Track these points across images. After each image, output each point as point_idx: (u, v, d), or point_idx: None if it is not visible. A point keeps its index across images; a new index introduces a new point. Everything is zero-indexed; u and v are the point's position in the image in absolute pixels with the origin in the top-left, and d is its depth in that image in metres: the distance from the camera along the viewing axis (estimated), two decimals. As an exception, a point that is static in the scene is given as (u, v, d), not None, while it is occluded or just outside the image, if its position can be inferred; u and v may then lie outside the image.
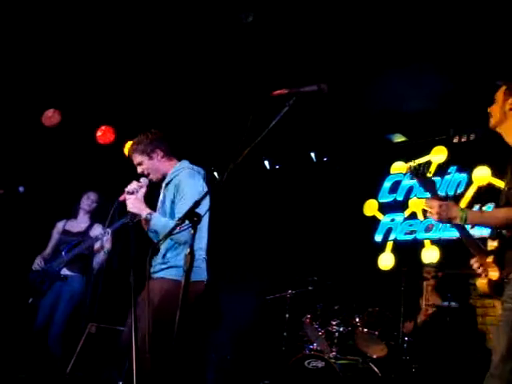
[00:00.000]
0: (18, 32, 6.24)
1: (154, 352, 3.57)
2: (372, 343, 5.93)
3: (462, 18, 5.32)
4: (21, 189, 7.07)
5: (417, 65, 6.13)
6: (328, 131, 7.96)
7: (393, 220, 7.86)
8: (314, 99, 3.02)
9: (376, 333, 5.85)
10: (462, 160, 7.39)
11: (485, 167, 7.05)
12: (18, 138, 7.39)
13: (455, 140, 7.63)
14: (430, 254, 7.19)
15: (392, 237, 7.77)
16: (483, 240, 3.39)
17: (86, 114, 7.73)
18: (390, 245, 7.76)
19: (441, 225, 7.07)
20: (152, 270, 4.06)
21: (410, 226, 7.64)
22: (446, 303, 5.72)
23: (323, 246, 8.07)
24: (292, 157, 8.68)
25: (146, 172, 4.26)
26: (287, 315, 6.52)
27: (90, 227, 6.59)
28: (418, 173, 3.42)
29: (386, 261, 7.65)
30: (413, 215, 7.67)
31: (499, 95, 3.35)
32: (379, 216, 8.03)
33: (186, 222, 2.98)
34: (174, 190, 4.12)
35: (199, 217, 2.97)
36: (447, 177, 7.45)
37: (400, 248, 7.66)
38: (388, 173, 8.18)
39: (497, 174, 6.90)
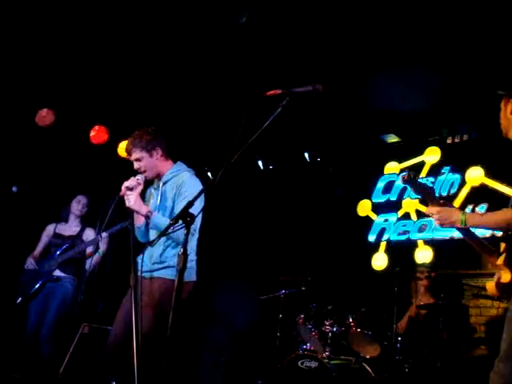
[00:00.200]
0: (12, 32, 6.22)
1: (151, 352, 3.56)
2: (365, 343, 5.93)
3: (454, 18, 5.33)
4: (14, 189, 7.07)
5: (410, 65, 6.14)
6: (321, 131, 7.97)
7: (386, 220, 7.88)
8: (307, 99, 3.03)
9: (369, 333, 5.86)
10: (456, 160, 7.41)
11: (478, 168, 7.06)
12: (11, 138, 7.36)
13: (448, 140, 7.65)
14: (423, 255, 7.21)
15: (385, 237, 7.79)
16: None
17: (80, 113, 7.71)
18: (383, 245, 7.77)
19: (434, 225, 7.08)
20: (147, 268, 4.05)
21: (404, 226, 7.65)
22: (439, 303, 5.73)
23: (317, 246, 8.08)
24: (285, 157, 8.68)
25: (142, 169, 4.23)
26: (280, 315, 6.52)
27: (82, 231, 6.58)
28: (413, 181, 3.39)
29: (380, 261, 7.67)
30: (406, 215, 7.68)
31: (502, 103, 3.34)
32: (373, 216, 8.04)
33: (180, 222, 2.98)
34: (176, 190, 4.14)
35: (193, 217, 2.97)
36: (440, 177, 7.46)
37: (393, 248, 7.67)
38: (381, 173, 8.19)
39: (490, 174, 6.92)
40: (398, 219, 7.75)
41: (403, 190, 7.81)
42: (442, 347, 5.64)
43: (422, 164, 7.73)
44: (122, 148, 8.01)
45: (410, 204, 7.60)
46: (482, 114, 6.70)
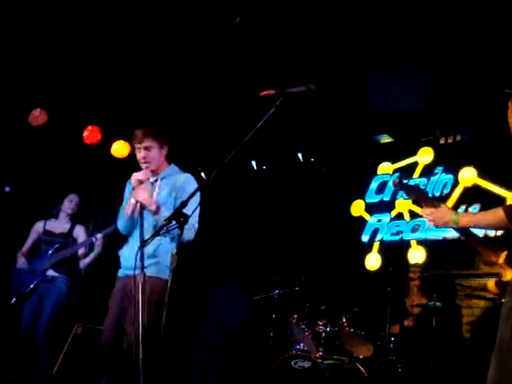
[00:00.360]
0: (5, 32, 6.21)
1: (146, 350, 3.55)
2: (358, 343, 5.94)
3: (449, 19, 5.35)
4: (7, 189, 7.05)
5: (404, 66, 6.15)
6: (315, 132, 7.98)
7: (379, 220, 7.89)
8: (301, 100, 3.03)
9: (362, 333, 5.87)
10: (449, 161, 7.43)
11: (471, 168, 7.08)
12: (4, 138, 7.34)
13: (441, 141, 7.68)
14: (417, 255, 7.23)
15: (379, 237, 7.80)
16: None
17: (73, 113, 7.70)
18: (376, 245, 7.79)
19: (427, 225, 7.10)
20: (140, 265, 4.04)
21: (397, 226, 7.67)
22: (431, 303, 5.74)
23: (310, 247, 8.09)
24: (279, 157, 8.68)
25: (148, 159, 4.19)
26: (274, 315, 6.53)
27: (72, 228, 6.58)
28: (404, 185, 3.39)
29: (373, 261, 7.68)
30: (399, 216, 7.70)
31: (510, 102, 3.31)
32: (366, 216, 8.05)
33: (173, 222, 2.99)
34: (177, 189, 4.16)
35: (186, 217, 2.98)
36: (433, 177, 7.48)
37: (387, 248, 7.69)
38: (375, 173, 8.21)
39: (483, 175, 6.94)
40: (392, 219, 7.77)
41: (396, 191, 7.82)
42: (434, 347, 5.65)
43: (415, 164, 7.75)
44: (115, 148, 8.01)
45: (404, 204, 7.62)
46: (475, 114, 6.74)
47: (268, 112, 2.99)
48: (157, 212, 3.97)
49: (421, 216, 3.42)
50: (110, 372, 3.97)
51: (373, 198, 8.10)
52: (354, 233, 8.01)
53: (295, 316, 6.29)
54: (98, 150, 8.02)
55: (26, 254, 6.47)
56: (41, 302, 6.23)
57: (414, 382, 5.62)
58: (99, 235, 6.17)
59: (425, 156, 7.66)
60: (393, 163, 8.04)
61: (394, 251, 7.53)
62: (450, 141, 7.60)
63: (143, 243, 3.67)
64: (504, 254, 3.17)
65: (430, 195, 7.22)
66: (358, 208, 8.17)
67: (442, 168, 7.46)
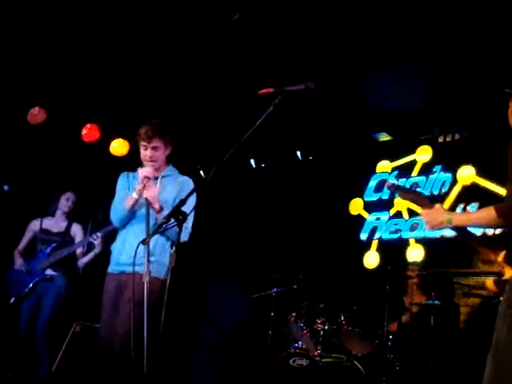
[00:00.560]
0: (4, 31, 6.20)
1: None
2: (357, 341, 5.95)
3: (447, 18, 5.35)
4: (5, 187, 7.05)
5: (402, 65, 6.15)
6: (314, 130, 7.98)
7: (378, 219, 7.89)
8: (299, 98, 3.04)
9: (361, 331, 5.87)
10: (447, 159, 7.42)
11: (469, 167, 7.08)
12: (2, 136, 7.34)
13: (440, 139, 7.67)
14: (415, 253, 7.23)
15: (377, 235, 7.80)
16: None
17: (72, 112, 7.70)
18: (375, 243, 7.79)
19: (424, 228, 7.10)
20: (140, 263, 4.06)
21: (395, 224, 7.67)
22: (430, 302, 5.75)
23: (309, 245, 8.09)
24: (278, 155, 8.69)
25: (154, 158, 4.23)
26: (272, 313, 6.53)
27: (69, 227, 6.59)
28: (397, 188, 3.39)
29: (371, 259, 7.68)
30: (398, 214, 7.69)
31: (510, 102, 3.30)
32: (364, 215, 8.05)
33: (172, 220, 2.99)
34: (177, 189, 4.22)
35: (185, 215, 2.98)
36: (432, 176, 7.48)
37: (385, 247, 7.69)
38: (373, 172, 8.20)
39: (481, 173, 6.94)
40: (390, 218, 7.77)
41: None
42: (432, 346, 5.66)
43: (413, 163, 7.75)
44: (113, 146, 8.01)
45: (402, 203, 7.61)
46: (474, 113, 6.74)
47: (267, 110, 2.99)
48: (160, 211, 3.98)
49: (419, 214, 3.41)
50: (109, 371, 3.98)
51: (371, 197, 8.10)
52: (353, 231, 8.01)
53: (293, 314, 6.29)
54: (97, 148, 8.02)
55: (22, 253, 6.47)
56: (39, 301, 6.24)
57: (411, 380, 5.63)
58: (99, 234, 6.18)
59: (423, 154, 7.66)
60: (391, 161, 8.05)
61: (393, 249, 7.53)
62: (448, 139, 7.60)
63: (143, 242, 3.67)
64: (503, 253, 3.17)
65: (428, 193, 7.30)
66: (356, 206, 8.17)
67: (440, 166, 7.45)
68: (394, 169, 7.98)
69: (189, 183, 4.33)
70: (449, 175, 7.32)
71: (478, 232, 5.27)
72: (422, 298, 6.22)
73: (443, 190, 7.29)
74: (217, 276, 8.18)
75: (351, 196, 8.26)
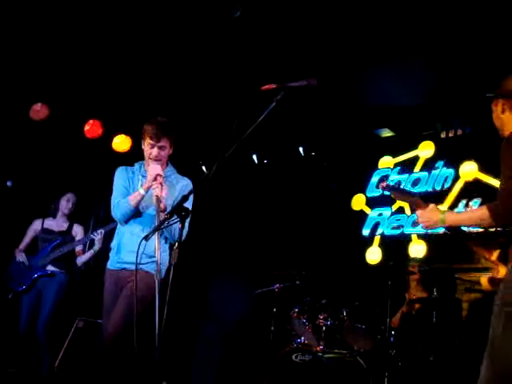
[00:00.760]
0: (5, 26, 6.20)
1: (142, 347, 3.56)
2: (359, 337, 5.95)
3: (448, 14, 5.34)
4: (8, 183, 7.08)
5: (404, 60, 6.15)
6: (316, 126, 7.98)
7: (380, 214, 7.89)
8: (302, 94, 3.04)
9: (363, 327, 5.88)
10: (449, 155, 7.41)
11: (472, 162, 7.08)
12: (5, 133, 7.35)
13: (442, 135, 7.66)
14: (417, 249, 7.23)
15: (379, 231, 7.80)
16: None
17: (74, 107, 7.70)
18: (377, 239, 7.79)
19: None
20: (146, 261, 4.08)
21: (398, 220, 7.67)
22: (432, 297, 5.75)
23: (311, 241, 8.10)
24: (280, 151, 8.69)
25: (158, 157, 4.24)
26: (275, 309, 6.55)
27: (70, 227, 6.68)
28: (391, 188, 3.39)
29: (374, 255, 7.68)
30: (400, 210, 7.69)
31: (493, 105, 3.33)
32: (367, 210, 8.06)
33: (175, 216, 3.00)
34: (178, 188, 4.27)
35: (187, 211, 2.99)
36: (434, 172, 7.47)
37: (387, 242, 7.69)
38: (376, 167, 8.20)
39: (483, 169, 6.93)
40: (392, 213, 7.77)
41: (398, 185, 7.81)
42: (435, 341, 5.67)
43: (415, 158, 7.75)
44: (116, 142, 8.01)
45: (404, 198, 7.60)
46: (476, 108, 6.72)
47: (269, 106, 3.00)
48: (164, 210, 3.99)
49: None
50: (114, 367, 3.99)
51: (374, 192, 8.10)
52: (355, 227, 8.01)
53: (296, 310, 6.29)
54: (99, 145, 8.03)
55: (24, 252, 6.50)
56: (40, 297, 6.28)
57: (414, 376, 5.63)
58: (101, 230, 6.22)
59: (426, 150, 7.66)
60: (394, 157, 8.04)
61: (395, 245, 7.53)
62: (450, 135, 7.59)
63: (145, 238, 3.67)
64: (497, 252, 3.18)
65: (430, 189, 7.30)
66: (358, 202, 8.18)
67: (442, 162, 7.45)
68: (396, 164, 7.98)
69: (188, 183, 4.36)
70: (451, 171, 7.31)
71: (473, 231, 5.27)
72: (424, 294, 6.23)
73: (445, 186, 7.28)
74: (219, 272, 8.19)
75: (353, 192, 8.26)
